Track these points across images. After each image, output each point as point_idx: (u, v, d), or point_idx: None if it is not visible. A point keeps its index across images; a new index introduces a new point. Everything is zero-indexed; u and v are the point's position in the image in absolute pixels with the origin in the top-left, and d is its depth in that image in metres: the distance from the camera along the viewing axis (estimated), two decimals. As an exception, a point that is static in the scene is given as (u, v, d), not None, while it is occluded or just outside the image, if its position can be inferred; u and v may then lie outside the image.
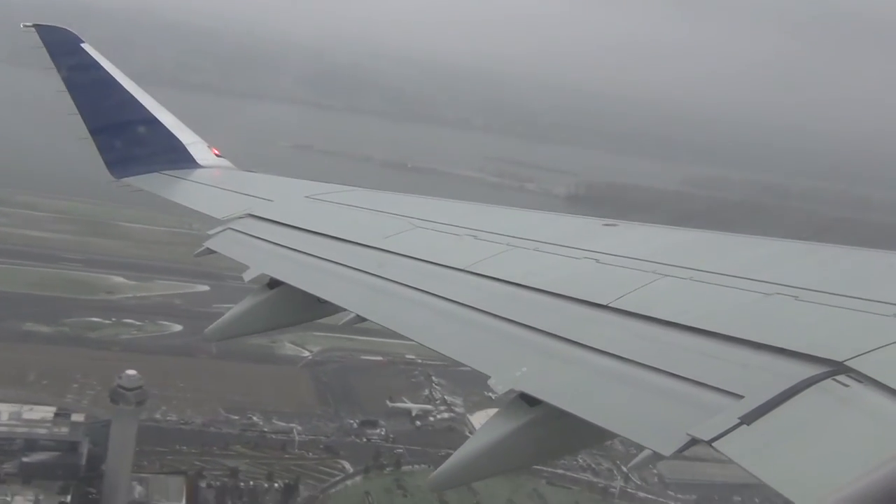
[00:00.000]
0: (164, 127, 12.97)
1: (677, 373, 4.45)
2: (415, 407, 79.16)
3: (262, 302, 7.97)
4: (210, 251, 9.34)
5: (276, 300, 7.90)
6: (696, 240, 7.04)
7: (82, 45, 12.65)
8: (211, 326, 8.20)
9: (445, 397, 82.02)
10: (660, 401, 4.36)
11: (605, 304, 5.47)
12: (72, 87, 12.34)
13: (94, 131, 12.54)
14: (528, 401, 4.87)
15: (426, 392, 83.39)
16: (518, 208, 9.25)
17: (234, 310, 8.15)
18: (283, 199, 10.56)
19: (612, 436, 4.54)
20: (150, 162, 12.74)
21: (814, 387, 3.93)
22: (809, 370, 4.04)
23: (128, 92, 12.82)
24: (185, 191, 11.99)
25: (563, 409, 4.62)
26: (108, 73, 12.68)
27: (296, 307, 7.89)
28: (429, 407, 80.00)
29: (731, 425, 3.80)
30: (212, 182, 12.15)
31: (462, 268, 6.75)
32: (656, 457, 4.01)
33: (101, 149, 12.70)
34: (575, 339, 5.16)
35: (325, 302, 7.27)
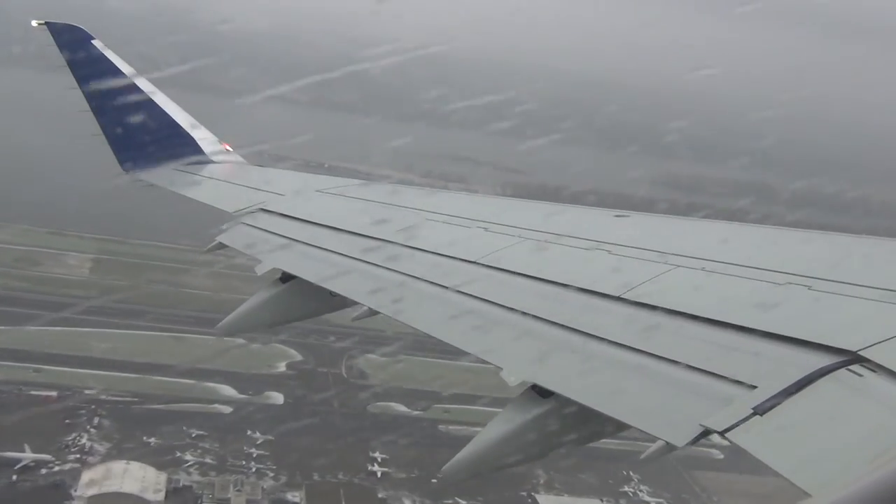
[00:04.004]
0: (175, 122, 12.99)
1: (690, 363, 4.46)
2: (28, 457, 62.02)
3: (274, 296, 7.98)
4: (222, 246, 9.30)
5: (289, 294, 7.91)
6: (708, 230, 7.10)
7: (93, 41, 12.65)
8: (223, 321, 8.15)
9: (90, 444, 66.07)
10: (672, 391, 4.40)
11: (617, 295, 5.48)
12: (83, 83, 12.39)
13: (106, 127, 12.58)
14: (541, 392, 4.90)
15: (72, 437, 71.30)
16: (529, 200, 9.31)
17: (246, 304, 8.14)
18: (295, 193, 10.57)
19: (625, 427, 4.57)
20: (160, 157, 12.80)
21: (827, 377, 3.94)
22: (823, 360, 4.05)
23: (139, 87, 12.83)
24: (195, 185, 11.97)
25: (575, 401, 4.65)
26: (118, 69, 12.70)
27: (308, 301, 7.92)
28: (47, 457, 62.31)
29: (744, 416, 3.83)
30: (223, 177, 12.17)
31: (473, 260, 6.78)
32: (669, 448, 4.04)
33: (113, 144, 12.73)
34: (587, 331, 5.18)
35: (337, 296, 7.32)
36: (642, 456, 4.52)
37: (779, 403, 3.86)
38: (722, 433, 3.81)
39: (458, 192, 10.45)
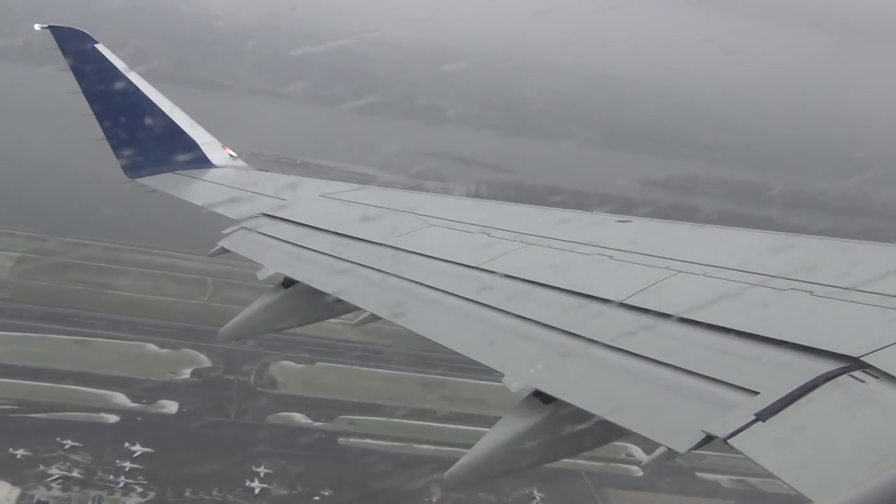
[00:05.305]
0: (178, 127, 13.03)
1: (692, 369, 4.48)
2: None
3: (276, 301, 8.00)
4: (224, 250, 9.29)
5: (291, 299, 7.92)
6: (710, 235, 7.08)
7: (96, 45, 12.70)
8: (225, 326, 8.13)
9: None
10: (675, 398, 4.40)
11: (619, 300, 5.49)
12: (86, 87, 12.42)
13: (109, 132, 12.61)
14: (543, 398, 4.90)
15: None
16: (531, 205, 9.33)
17: (249, 309, 8.12)
18: (297, 198, 10.57)
19: (627, 433, 4.55)
20: (164, 162, 12.85)
21: (830, 382, 3.94)
22: (825, 366, 4.06)
23: (142, 92, 12.89)
24: (199, 190, 12.01)
25: (577, 407, 4.65)
26: (122, 73, 12.75)
27: (310, 306, 7.89)
28: None
29: (746, 422, 3.83)
30: (226, 182, 12.15)
31: (475, 265, 6.78)
32: (671, 454, 4.04)
33: (116, 149, 12.77)
34: (589, 337, 5.18)
35: (340, 301, 7.31)
36: (643, 462, 4.65)
37: (781, 409, 3.87)
38: (724, 439, 3.83)
39: (460, 196, 10.46)
